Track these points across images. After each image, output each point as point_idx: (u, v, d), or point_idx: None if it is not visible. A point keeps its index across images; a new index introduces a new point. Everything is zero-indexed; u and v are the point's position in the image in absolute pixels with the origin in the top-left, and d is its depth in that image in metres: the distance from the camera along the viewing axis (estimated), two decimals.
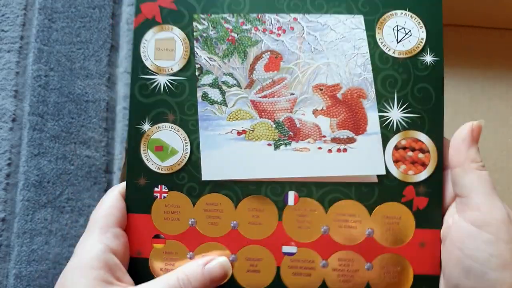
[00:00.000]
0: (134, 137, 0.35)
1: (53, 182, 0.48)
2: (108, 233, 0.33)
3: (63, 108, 0.49)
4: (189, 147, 0.35)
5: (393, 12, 0.35)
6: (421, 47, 0.34)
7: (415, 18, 0.35)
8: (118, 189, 0.35)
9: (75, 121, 0.49)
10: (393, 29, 0.35)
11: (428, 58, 0.34)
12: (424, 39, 0.34)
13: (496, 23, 0.54)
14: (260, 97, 0.35)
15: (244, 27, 0.35)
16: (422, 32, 0.35)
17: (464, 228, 0.31)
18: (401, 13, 0.35)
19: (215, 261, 0.34)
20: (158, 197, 0.35)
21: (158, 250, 0.35)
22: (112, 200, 0.35)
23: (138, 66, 0.35)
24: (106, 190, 0.50)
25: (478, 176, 0.32)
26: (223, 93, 0.35)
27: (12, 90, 0.48)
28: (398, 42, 0.35)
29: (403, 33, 0.35)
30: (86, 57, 0.50)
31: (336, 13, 0.35)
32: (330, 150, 0.34)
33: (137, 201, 0.35)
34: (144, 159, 0.35)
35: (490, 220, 0.30)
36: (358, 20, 0.35)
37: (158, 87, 0.35)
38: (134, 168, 0.35)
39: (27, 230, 0.46)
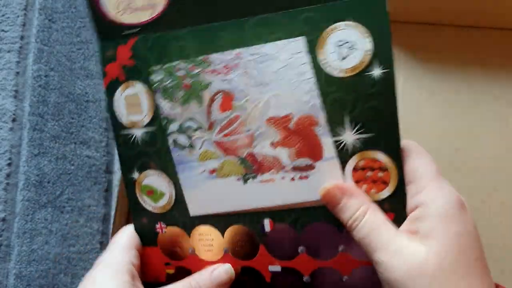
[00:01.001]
0: (129, 185, 0.40)
1: (53, 182, 0.48)
2: (131, 252, 0.39)
3: (63, 108, 0.48)
4: (173, 189, 0.39)
5: (334, 25, 0.33)
6: (367, 60, 0.32)
7: (359, 28, 0.32)
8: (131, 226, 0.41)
9: (75, 121, 0.49)
10: (335, 45, 0.33)
11: (377, 72, 0.32)
12: (371, 51, 0.32)
13: (496, 22, 0.53)
14: (222, 137, 0.37)
15: (194, 71, 0.36)
16: (369, 42, 0.32)
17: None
18: (344, 25, 0.32)
19: (221, 267, 0.39)
20: (160, 232, 0.40)
21: (170, 274, 0.41)
22: (130, 229, 0.41)
23: (116, 123, 0.39)
24: (106, 190, 0.52)
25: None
26: (189, 137, 0.37)
27: (12, 90, 0.47)
28: (342, 60, 0.33)
29: (346, 47, 0.33)
30: (87, 57, 0.50)
31: (276, 39, 0.34)
32: (292, 179, 0.35)
33: (145, 236, 0.41)
34: (141, 202, 0.40)
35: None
36: (298, 44, 0.34)
37: (136, 140, 0.39)
38: (136, 210, 0.41)
39: (27, 230, 0.46)
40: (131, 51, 0.38)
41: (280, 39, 0.34)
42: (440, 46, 0.53)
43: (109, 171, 0.53)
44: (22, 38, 0.49)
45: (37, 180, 0.47)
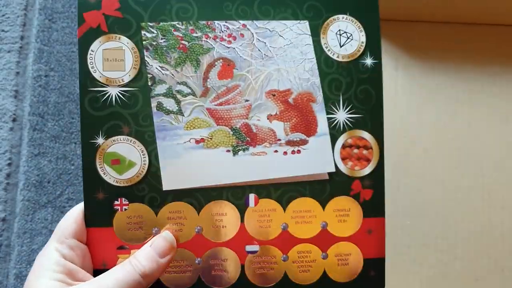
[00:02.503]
0: (89, 152, 0.34)
1: (54, 182, 0.48)
2: (64, 244, 0.34)
3: (64, 108, 0.49)
4: (147, 159, 0.35)
5: (336, 16, 0.37)
6: (361, 50, 0.37)
7: (355, 22, 0.37)
8: (81, 205, 0.35)
9: (76, 121, 0.49)
10: (336, 33, 0.37)
11: (368, 61, 0.37)
12: (364, 43, 0.37)
13: (495, 19, 0.52)
14: (216, 105, 0.35)
15: (194, 34, 0.35)
16: (362, 35, 0.37)
17: None
18: (343, 18, 0.37)
19: (158, 236, 0.35)
20: (119, 210, 0.35)
21: (123, 259, 0.35)
22: (71, 214, 0.35)
23: (86, 78, 0.34)
24: None
25: None
26: (178, 102, 0.35)
27: (13, 90, 0.48)
28: (341, 47, 0.37)
29: (345, 37, 0.37)
30: None
31: (283, 19, 0.36)
32: (285, 152, 0.36)
33: (97, 215, 0.35)
34: (101, 173, 0.35)
35: None
36: (304, 26, 0.36)
37: (109, 99, 0.34)
38: (91, 183, 0.34)
39: (27, 230, 0.47)
40: (119, 3, 0.34)
41: (287, 19, 0.36)
42: (438, 44, 0.52)
43: None
44: (22, 38, 0.50)
45: (37, 180, 0.48)
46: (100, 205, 0.35)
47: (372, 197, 0.37)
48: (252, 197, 0.36)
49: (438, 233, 0.46)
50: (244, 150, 0.36)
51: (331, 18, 0.37)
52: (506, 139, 0.51)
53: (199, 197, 0.36)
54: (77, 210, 0.35)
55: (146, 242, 0.35)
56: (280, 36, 0.36)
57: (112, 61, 0.34)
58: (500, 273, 0.47)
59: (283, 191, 0.36)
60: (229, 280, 0.36)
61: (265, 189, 0.36)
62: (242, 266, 0.36)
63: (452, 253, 0.46)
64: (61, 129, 0.48)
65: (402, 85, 0.49)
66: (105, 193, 0.35)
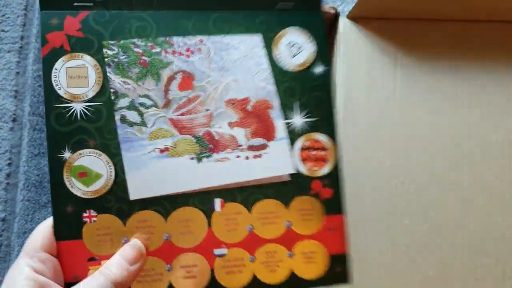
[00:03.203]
0: (56, 166, 0.35)
1: None
2: (35, 258, 0.34)
3: None
4: (113, 170, 0.36)
5: (286, 29, 0.40)
6: (312, 59, 0.40)
7: (303, 34, 0.40)
8: (50, 219, 0.36)
9: None
10: (287, 45, 0.40)
11: (319, 69, 0.40)
12: (315, 52, 0.40)
13: (496, 16, 0.51)
14: (178, 115, 0.37)
15: (154, 50, 0.37)
16: (313, 45, 0.40)
17: None
18: (293, 30, 0.40)
19: (127, 244, 0.36)
20: (88, 221, 0.36)
21: (93, 271, 0.35)
22: (40, 228, 0.36)
23: (51, 95, 0.35)
24: None
25: None
26: (141, 114, 0.37)
27: (13, 90, 0.48)
28: (293, 57, 0.40)
29: (297, 48, 0.40)
30: None
31: (238, 33, 0.39)
32: (247, 157, 0.38)
33: (67, 228, 0.35)
34: (69, 186, 0.35)
35: None
36: (257, 39, 0.39)
37: (74, 115, 0.36)
38: (59, 196, 0.35)
39: (27, 230, 0.46)
40: (80, 24, 0.36)
41: (241, 33, 0.39)
42: (438, 42, 0.51)
43: None
44: (22, 38, 0.50)
45: (37, 180, 0.48)
46: (69, 218, 0.35)
47: (331, 195, 0.39)
48: (218, 201, 0.38)
49: (438, 233, 0.46)
50: (207, 157, 0.37)
51: (281, 32, 0.40)
52: (507, 138, 0.50)
53: (166, 204, 0.37)
54: (47, 224, 0.36)
55: (116, 253, 0.36)
56: (235, 49, 0.39)
57: (76, 78, 0.36)
58: (500, 273, 0.47)
59: (247, 194, 0.38)
60: (200, 285, 0.37)
61: (230, 193, 0.38)
62: (212, 271, 0.37)
63: (452, 253, 0.46)
64: None
65: (401, 84, 0.47)
66: (73, 205, 0.35)
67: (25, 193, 0.46)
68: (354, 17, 0.46)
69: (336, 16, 0.45)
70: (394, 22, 0.49)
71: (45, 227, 0.35)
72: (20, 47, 0.50)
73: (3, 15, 0.50)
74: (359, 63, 0.46)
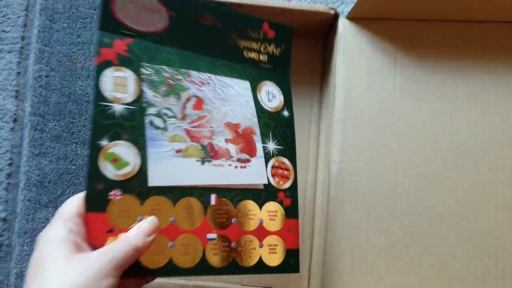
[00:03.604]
0: (94, 151, 0.43)
1: (54, 182, 0.49)
2: (70, 221, 0.41)
3: (64, 109, 0.50)
4: (139, 160, 0.45)
5: (265, 81, 0.55)
6: (281, 106, 0.55)
7: (276, 87, 0.55)
8: (81, 193, 0.42)
9: (76, 121, 0.50)
10: (266, 92, 0.54)
11: (286, 113, 0.55)
12: (283, 101, 0.55)
13: (496, 17, 0.51)
14: (190, 127, 0.48)
15: (177, 77, 0.49)
16: (281, 96, 0.55)
17: None
18: (270, 83, 0.55)
19: (145, 220, 0.44)
20: (113, 199, 0.43)
21: (111, 241, 0.42)
22: (73, 199, 0.42)
23: (98, 95, 0.44)
24: None
25: None
26: (164, 121, 0.47)
27: (13, 91, 0.48)
28: (269, 102, 0.54)
29: (271, 95, 0.55)
30: (87, 57, 0.52)
31: (234, 77, 0.53)
32: (236, 167, 0.50)
33: (95, 202, 0.42)
34: (102, 168, 0.43)
35: None
36: (246, 84, 0.53)
37: (114, 113, 0.45)
38: (93, 175, 0.43)
39: (28, 230, 0.47)
40: (126, 46, 0.47)
41: (236, 77, 0.53)
42: (438, 42, 0.51)
43: None
44: (23, 38, 0.51)
45: (38, 180, 0.48)
46: (98, 194, 0.43)
47: (290, 203, 0.52)
48: (213, 196, 0.48)
49: (438, 233, 0.45)
50: (208, 161, 0.49)
51: (262, 82, 0.55)
52: (507, 138, 0.49)
53: (175, 193, 0.46)
54: (79, 197, 0.42)
55: (132, 227, 0.43)
56: (232, 88, 0.52)
57: (119, 85, 0.46)
58: (500, 273, 0.46)
59: (234, 194, 0.49)
60: (191, 261, 0.46)
61: (222, 192, 0.49)
62: (204, 250, 0.47)
63: (452, 253, 0.45)
64: (61, 129, 0.49)
65: (401, 84, 0.47)
66: (103, 184, 0.43)
67: (26, 193, 0.48)
68: (354, 17, 0.47)
69: (335, 16, 0.48)
70: (394, 22, 0.48)
71: (77, 199, 0.42)
72: (21, 48, 0.50)
73: (4, 16, 0.51)
74: (359, 63, 0.47)
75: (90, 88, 0.55)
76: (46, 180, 0.49)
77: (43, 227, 0.48)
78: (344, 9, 0.56)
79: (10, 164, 0.48)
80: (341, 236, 0.49)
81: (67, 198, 0.51)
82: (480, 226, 0.43)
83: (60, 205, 0.49)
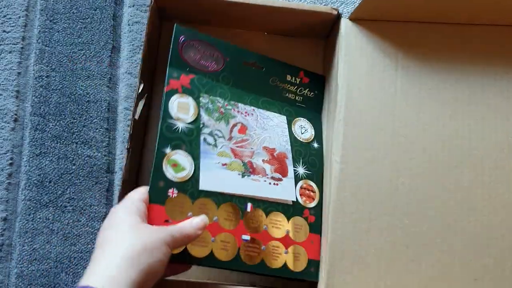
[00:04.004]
0: (160, 156, 0.54)
1: (55, 182, 0.49)
2: (138, 202, 0.50)
3: (65, 109, 0.49)
4: (193, 167, 0.56)
5: (299, 118, 0.66)
6: (312, 138, 0.65)
7: (308, 123, 0.66)
8: (147, 187, 0.53)
9: (77, 121, 0.50)
10: (299, 126, 0.65)
11: (316, 145, 0.65)
12: (313, 135, 0.66)
13: (495, 19, 0.51)
14: (235, 147, 0.59)
15: (227, 107, 0.61)
16: (312, 130, 0.66)
17: None
18: (302, 119, 0.66)
19: (198, 217, 0.53)
20: (171, 196, 0.54)
21: None
22: (142, 188, 0.52)
23: (166, 114, 0.56)
24: (107, 190, 0.54)
25: None
26: (215, 140, 0.58)
27: (14, 91, 0.47)
28: (302, 134, 0.65)
29: (304, 129, 0.65)
30: (88, 58, 0.52)
31: (273, 111, 0.64)
32: (270, 183, 0.60)
33: (157, 196, 0.53)
34: (164, 170, 0.54)
35: None
36: (283, 118, 0.64)
37: (178, 129, 0.56)
38: (157, 175, 0.53)
39: (28, 230, 0.46)
40: (189, 80, 0.59)
41: (275, 112, 0.64)
42: (438, 44, 0.52)
43: (110, 171, 0.53)
44: (23, 39, 0.51)
45: (39, 179, 0.47)
46: (160, 189, 0.53)
47: (314, 221, 0.61)
48: (249, 205, 0.58)
49: (438, 233, 0.45)
50: (248, 176, 0.59)
51: (296, 118, 0.66)
52: (506, 138, 0.48)
53: (219, 197, 0.56)
54: (145, 188, 0.53)
55: (183, 220, 0.53)
56: (271, 119, 0.63)
57: (182, 108, 0.57)
58: (500, 273, 0.45)
59: (266, 206, 0.59)
60: (228, 256, 0.55)
61: (257, 202, 0.58)
62: (238, 249, 0.56)
63: (452, 253, 0.45)
64: (62, 129, 0.49)
65: (402, 85, 0.47)
66: (164, 183, 0.54)
67: (26, 193, 0.47)
68: (355, 18, 0.48)
69: (338, 17, 0.50)
70: (395, 24, 0.49)
71: (144, 189, 0.52)
72: (22, 48, 0.49)
73: (4, 16, 0.49)
74: (360, 64, 0.48)
75: (91, 88, 0.53)
76: (46, 180, 0.48)
77: (44, 227, 0.48)
78: (344, 10, 0.56)
79: (10, 164, 0.47)
80: (342, 235, 0.51)
81: (68, 197, 0.51)
82: (480, 226, 0.43)
83: (60, 205, 0.49)
